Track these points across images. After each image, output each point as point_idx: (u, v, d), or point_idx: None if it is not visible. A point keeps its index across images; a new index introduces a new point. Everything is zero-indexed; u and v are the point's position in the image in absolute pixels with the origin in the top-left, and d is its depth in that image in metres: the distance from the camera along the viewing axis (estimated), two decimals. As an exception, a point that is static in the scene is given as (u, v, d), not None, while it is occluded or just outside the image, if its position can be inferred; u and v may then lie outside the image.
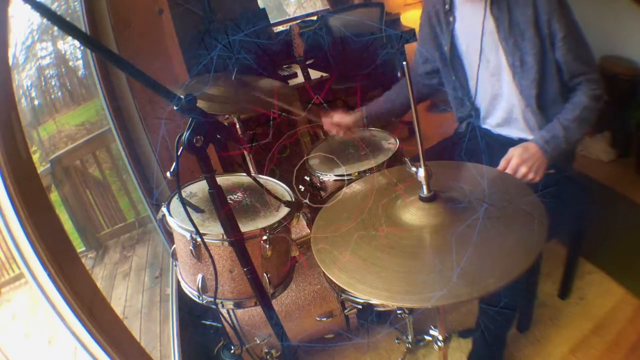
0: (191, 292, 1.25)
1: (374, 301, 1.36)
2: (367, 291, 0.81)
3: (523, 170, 1.25)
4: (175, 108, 0.80)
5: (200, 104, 0.98)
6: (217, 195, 0.93)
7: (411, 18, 3.84)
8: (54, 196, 1.69)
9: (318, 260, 0.91)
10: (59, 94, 2.07)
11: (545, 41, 1.31)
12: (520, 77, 1.37)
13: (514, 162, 1.26)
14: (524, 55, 1.34)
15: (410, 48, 2.90)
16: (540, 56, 1.32)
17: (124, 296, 1.86)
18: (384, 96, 1.69)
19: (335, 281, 0.85)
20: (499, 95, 1.47)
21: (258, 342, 1.54)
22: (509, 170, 1.26)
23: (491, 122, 1.57)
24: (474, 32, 1.39)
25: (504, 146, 1.32)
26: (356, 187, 1.17)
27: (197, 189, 1.31)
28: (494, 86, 1.46)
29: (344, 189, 1.16)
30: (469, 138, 1.59)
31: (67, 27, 0.71)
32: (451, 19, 1.46)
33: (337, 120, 1.60)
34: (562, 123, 1.32)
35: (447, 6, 1.45)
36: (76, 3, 1.84)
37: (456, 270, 0.78)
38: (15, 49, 1.56)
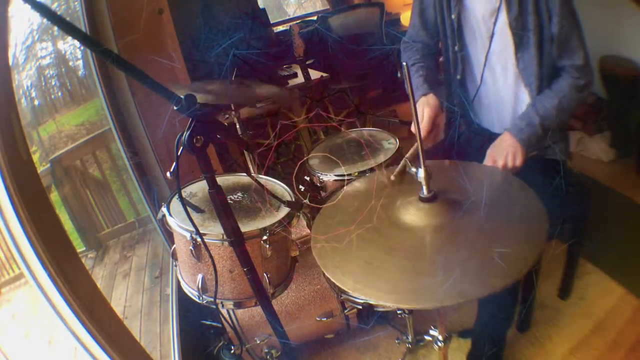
0: (191, 292, 1.25)
1: (374, 301, 1.37)
2: (367, 292, 0.81)
3: (500, 163, 1.28)
4: (175, 108, 0.81)
5: (200, 98, 0.98)
6: (217, 195, 0.93)
7: (411, 18, 3.84)
8: (54, 196, 1.68)
9: (318, 259, 0.91)
10: (59, 94, 2.06)
11: (544, 17, 1.28)
12: (522, 52, 1.34)
13: (488, 163, 1.29)
14: (527, 32, 1.31)
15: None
16: (539, 34, 1.30)
17: (124, 296, 1.86)
18: (423, 77, 1.47)
19: (335, 282, 0.85)
20: (497, 72, 1.44)
21: (258, 342, 1.55)
22: None
23: (481, 106, 1.54)
24: (485, 8, 1.35)
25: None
26: (356, 186, 1.17)
27: (197, 189, 1.31)
28: (496, 63, 1.42)
29: (343, 189, 1.16)
30: (466, 137, 1.59)
31: (67, 27, 0.71)
32: None
33: (429, 125, 1.34)
34: (539, 111, 1.31)
35: None
36: (76, 3, 1.84)
37: (457, 269, 0.78)
38: (15, 49, 1.56)
